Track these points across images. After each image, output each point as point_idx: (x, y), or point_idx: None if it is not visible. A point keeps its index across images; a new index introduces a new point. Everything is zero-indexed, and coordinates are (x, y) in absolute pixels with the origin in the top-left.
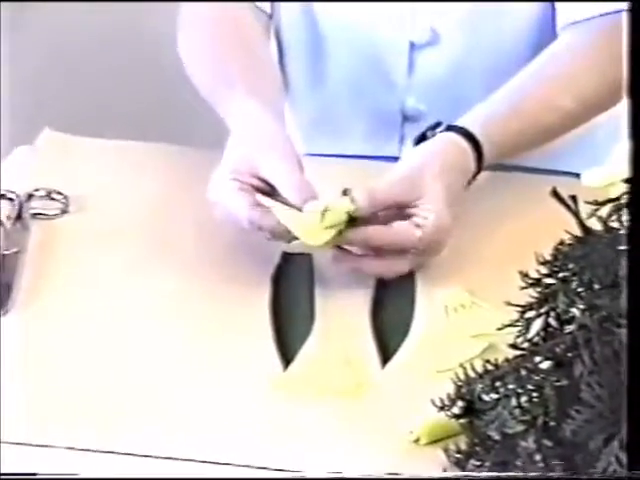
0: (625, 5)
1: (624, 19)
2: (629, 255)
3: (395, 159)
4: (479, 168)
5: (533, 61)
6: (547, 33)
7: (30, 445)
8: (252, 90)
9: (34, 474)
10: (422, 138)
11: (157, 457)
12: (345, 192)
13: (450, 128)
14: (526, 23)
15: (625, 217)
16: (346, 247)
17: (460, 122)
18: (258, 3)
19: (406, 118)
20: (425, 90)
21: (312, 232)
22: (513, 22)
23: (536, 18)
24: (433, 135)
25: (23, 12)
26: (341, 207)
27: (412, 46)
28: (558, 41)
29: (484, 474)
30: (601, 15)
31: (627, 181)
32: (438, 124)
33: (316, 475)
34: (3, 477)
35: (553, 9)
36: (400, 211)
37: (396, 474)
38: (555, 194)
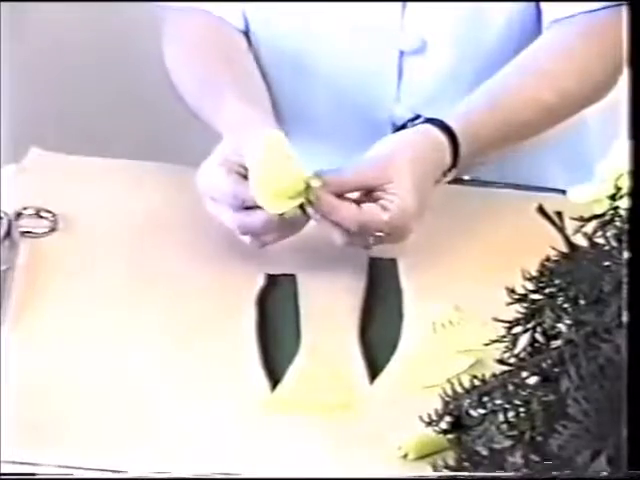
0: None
1: (607, 16)
2: (630, 264)
3: None
4: (454, 162)
5: (515, 58)
6: (534, 38)
7: (19, 463)
8: (241, 95)
9: (34, 474)
10: (401, 129)
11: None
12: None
13: (428, 120)
14: (513, 30)
15: (625, 222)
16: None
17: (439, 116)
18: (231, 20)
19: (395, 128)
20: (414, 99)
21: (272, 194)
22: (500, 29)
23: (523, 24)
24: (412, 127)
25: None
26: (302, 177)
27: (401, 54)
28: (541, 38)
29: (480, 474)
30: (584, 12)
31: (629, 192)
32: (418, 116)
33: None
34: (3, 477)
35: (539, 14)
36: (368, 196)
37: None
38: (541, 211)
